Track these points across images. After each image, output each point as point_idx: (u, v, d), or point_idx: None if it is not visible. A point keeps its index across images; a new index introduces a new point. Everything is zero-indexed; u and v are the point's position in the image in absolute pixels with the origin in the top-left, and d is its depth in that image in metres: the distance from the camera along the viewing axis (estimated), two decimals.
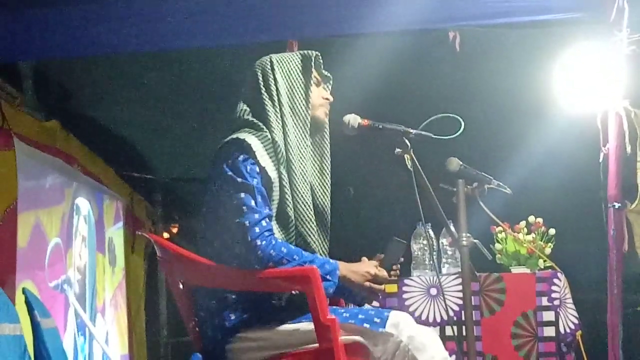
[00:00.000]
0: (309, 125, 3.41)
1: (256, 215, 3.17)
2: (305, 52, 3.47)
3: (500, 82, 5.64)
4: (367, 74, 5.10)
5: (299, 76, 3.42)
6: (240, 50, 5.11)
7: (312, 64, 3.44)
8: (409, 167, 3.52)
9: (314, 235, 3.35)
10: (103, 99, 6.33)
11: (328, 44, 4.89)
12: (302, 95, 3.40)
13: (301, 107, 3.39)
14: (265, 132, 3.32)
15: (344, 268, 3.28)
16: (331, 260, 3.28)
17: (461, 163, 4.07)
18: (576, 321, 4.83)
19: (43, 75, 5.83)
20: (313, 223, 3.35)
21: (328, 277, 3.21)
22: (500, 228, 5.00)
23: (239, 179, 3.21)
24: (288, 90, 3.39)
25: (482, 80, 5.68)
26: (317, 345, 3.14)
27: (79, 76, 5.92)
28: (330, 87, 3.56)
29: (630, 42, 4.69)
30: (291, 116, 3.37)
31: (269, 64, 3.43)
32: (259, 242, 3.14)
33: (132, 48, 4.90)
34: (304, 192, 3.34)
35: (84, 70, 5.78)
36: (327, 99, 3.50)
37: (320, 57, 3.50)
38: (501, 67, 5.50)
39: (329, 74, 3.55)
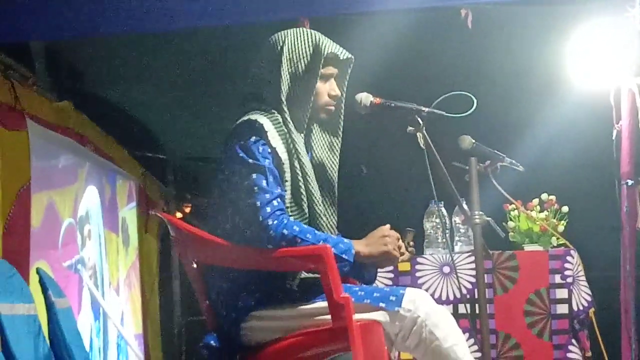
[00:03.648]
0: (306, 120, 3.38)
1: (267, 195, 3.16)
2: (319, 45, 3.36)
3: (513, 60, 5.63)
4: (379, 52, 5.08)
5: (305, 70, 3.35)
6: (253, 29, 5.11)
7: (322, 60, 3.36)
8: (421, 145, 3.51)
9: (323, 213, 3.35)
10: (115, 79, 6.35)
11: (340, 22, 4.88)
12: (304, 91, 3.35)
13: (301, 103, 3.35)
14: (275, 113, 3.31)
15: (358, 244, 3.26)
16: (345, 240, 3.26)
17: (474, 141, 4.07)
18: (589, 298, 4.83)
19: (55, 56, 5.84)
20: (320, 202, 3.35)
21: (344, 256, 3.19)
22: (513, 206, 4.99)
23: (251, 160, 3.20)
24: (291, 83, 3.35)
25: (494, 57, 5.67)
26: (331, 324, 3.14)
27: (91, 56, 5.93)
28: (349, 69, 3.48)
29: None
30: (288, 108, 3.33)
31: (279, 48, 3.36)
32: (270, 222, 3.13)
33: (144, 28, 4.90)
34: (311, 174, 3.33)
35: (96, 50, 5.79)
36: (333, 95, 3.44)
37: (336, 49, 3.40)
38: (513, 44, 5.49)
39: (349, 56, 3.45)
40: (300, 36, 3.40)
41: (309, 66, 3.36)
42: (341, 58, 3.44)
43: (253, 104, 3.36)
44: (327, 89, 3.42)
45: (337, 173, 3.48)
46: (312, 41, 3.39)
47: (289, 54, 3.36)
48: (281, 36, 3.41)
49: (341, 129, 3.50)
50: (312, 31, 3.45)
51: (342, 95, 3.49)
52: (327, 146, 3.48)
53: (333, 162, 3.48)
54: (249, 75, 3.45)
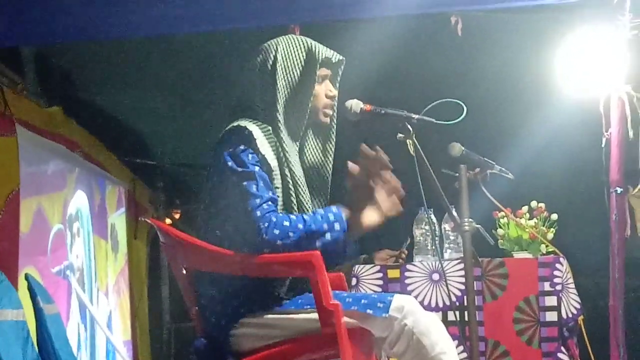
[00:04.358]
0: (302, 128, 3.37)
1: (257, 200, 3.14)
2: (312, 50, 3.37)
3: (503, 67, 5.64)
4: (369, 59, 5.08)
5: (301, 76, 3.34)
6: (243, 35, 5.11)
7: (318, 65, 3.36)
8: (411, 152, 3.51)
9: None
10: (105, 84, 6.34)
11: (330, 29, 4.88)
12: (302, 98, 3.34)
13: (298, 110, 3.34)
14: (265, 123, 3.30)
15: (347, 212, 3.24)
16: (333, 208, 3.24)
17: (463, 148, 4.07)
18: (578, 306, 4.83)
19: (45, 61, 5.84)
20: (311, 210, 3.34)
21: (336, 225, 3.18)
22: (502, 213, 4.99)
23: (240, 169, 3.19)
24: (287, 91, 3.34)
25: (484, 65, 5.68)
26: (320, 330, 3.14)
27: (81, 62, 5.93)
28: (341, 70, 3.49)
29: (633, 27, 4.69)
30: (284, 117, 3.31)
31: (273, 57, 3.35)
32: (262, 225, 3.11)
33: (134, 33, 4.89)
34: (302, 183, 3.33)
35: (86, 56, 5.79)
36: (331, 96, 3.45)
37: (328, 53, 3.41)
38: (504, 51, 5.50)
39: (340, 58, 3.46)
40: (292, 43, 3.39)
41: (305, 72, 3.35)
42: (334, 61, 3.45)
43: (244, 114, 3.34)
44: (323, 90, 3.42)
45: (330, 177, 3.47)
46: (304, 47, 3.38)
47: (283, 62, 3.34)
48: (272, 45, 3.39)
49: (334, 133, 3.50)
50: (303, 37, 3.45)
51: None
52: (320, 150, 3.47)
53: (326, 167, 3.47)
54: (240, 86, 3.44)
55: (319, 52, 3.37)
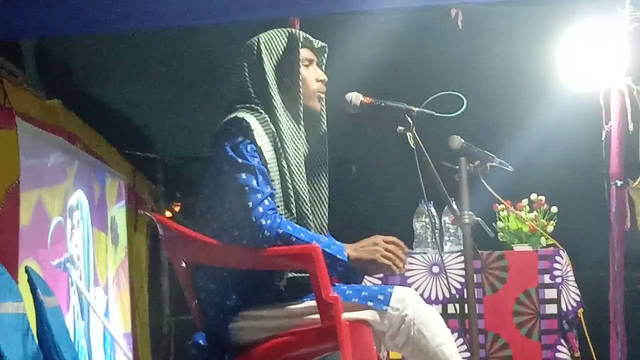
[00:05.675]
0: (301, 109, 3.38)
1: (258, 195, 3.16)
2: (292, 32, 3.43)
3: (503, 60, 5.63)
4: (369, 52, 5.08)
5: (285, 57, 3.38)
6: (244, 28, 5.10)
7: (299, 44, 3.40)
8: (411, 145, 3.51)
9: (310, 212, 3.35)
10: (105, 77, 6.33)
11: (330, 21, 4.88)
12: (290, 78, 3.37)
13: (291, 92, 3.36)
14: (263, 113, 3.31)
15: (348, 248, 3.25)
16: (337, 242, 3.26)
17: (463, 141, 4.07)
18: (578, 299, 4.84)
19: (45, 53, 5.83)
20: (308, 202, 3.34)
21: (338, 256, 3.19)
22: (502, 206, 5.00)
23: (240, 160, 3.20)
24: (276, 74, 3.37)
25: (484, 57, 5.67)
26: (320, 323, 3.14)
27: (81, 54, 5.91)
28: (325, 58, 3.52)
29: (633, 19, 4.69)
30: (281, 100, 3.34)
31: (256, 47, 3.39)
32: (263, 222, 3.13)
33: (134, 26, 4.89)
34: (299, 173, 3.32)
35: (86, 48, 5.77)
36: (321, 80, 3.47)
37: (309, 37, 3.45)
38: (504, 44, 5.48)
39: (323, 44, 3.50)
40: (273, 31, 3.46)
41: (288, 53, 3.39)
42: (316, 46, 3.48)
43: (241, 105, 3.34)
44: (312, 75, 3.45)
45: (327, 168, 3.46)
46: (285, 32, 3.44)
47: (267, 48, 3.39)
48: (255, 39, 3.45)
49: (325, 119, 3.49)
50: (283, 28, 3.50)
51: None
52: (315, 139, 3.46)
53: (323, 154, 3.46)
54: (232, 82, 3.45)
55: (299, 33, 3.43)
